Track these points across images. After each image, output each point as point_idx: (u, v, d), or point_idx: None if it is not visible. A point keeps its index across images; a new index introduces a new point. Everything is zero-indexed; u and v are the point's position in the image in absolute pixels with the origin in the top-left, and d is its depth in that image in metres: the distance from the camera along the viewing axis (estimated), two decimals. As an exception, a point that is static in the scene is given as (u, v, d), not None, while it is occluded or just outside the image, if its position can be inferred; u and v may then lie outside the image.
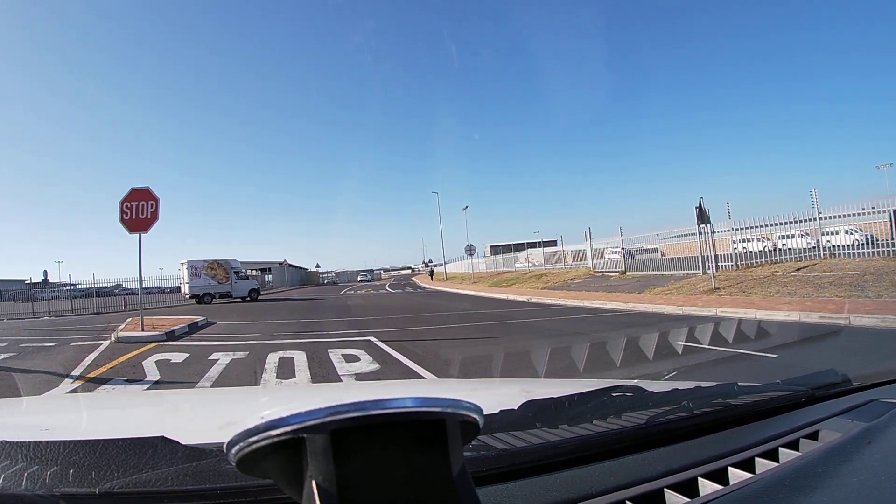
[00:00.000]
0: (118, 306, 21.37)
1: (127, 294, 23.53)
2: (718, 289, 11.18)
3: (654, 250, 18.91)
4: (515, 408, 0.80)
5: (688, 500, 0.66)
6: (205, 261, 24.80)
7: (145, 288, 24.03)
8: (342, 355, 6.39)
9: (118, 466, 0.58)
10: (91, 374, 5.90)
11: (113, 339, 8.83)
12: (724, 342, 5.37)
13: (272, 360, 6.23)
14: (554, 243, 33.14)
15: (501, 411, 0.79)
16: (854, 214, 12.54)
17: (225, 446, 0.40)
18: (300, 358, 6.28)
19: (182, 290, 24.48)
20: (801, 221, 13.38)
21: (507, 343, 7.27)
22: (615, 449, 0.79)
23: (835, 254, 12.55)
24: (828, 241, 12.87)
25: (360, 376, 5.36)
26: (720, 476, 0.73)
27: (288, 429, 0.37)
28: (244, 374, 5.64)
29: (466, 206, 43.78)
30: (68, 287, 25.41)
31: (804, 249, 13.27)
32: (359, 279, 71.55)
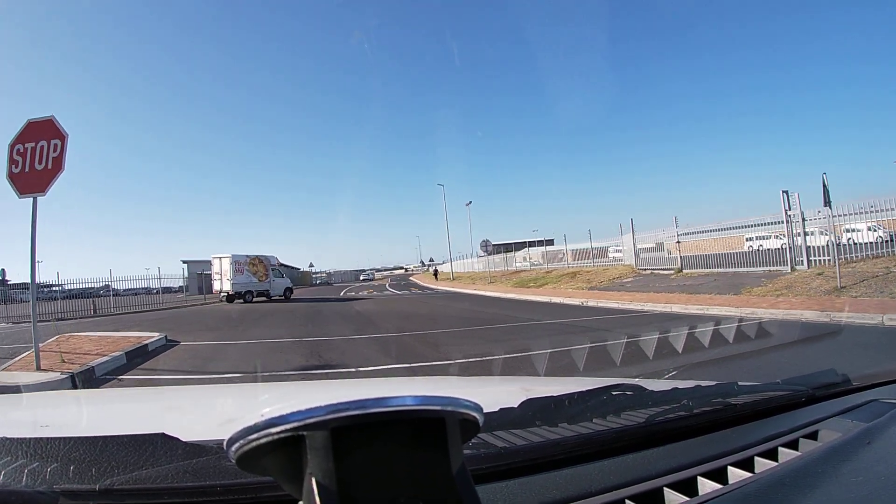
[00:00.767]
0: (84, 311, 18.63)
1: (112, 296, 21.24)
2: (844, 288, 9.05)
3: (661, 247, 18.20)
4: (515, 406, 0.80)
5: (687, 498, 0.66)
6: (248, 256, 22.65)
7: (129, 289, 23.74)
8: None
9: (118, 463, 0.58)
10: None
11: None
12: None
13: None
14: (551, 242, 32.84)
15: (501, 409, 0.79)
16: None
17: (225, 443, 0.40)
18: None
19: (217, 288, 22.09)
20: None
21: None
22: (615, 447, 0.79)
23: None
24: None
25: None
26: (720, 475, 0.73)
27: (288, 426, 0.37)
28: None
29: (470, 202, 41.56)
30: (55, 287, 21.68)
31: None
32: (361, 278, 70.67)
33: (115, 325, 12.48)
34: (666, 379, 2.62)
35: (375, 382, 2.57)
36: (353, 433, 0.38)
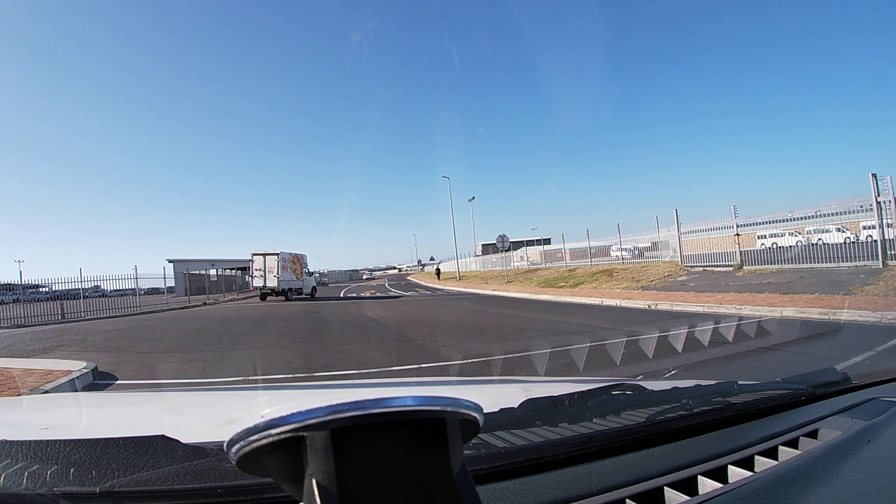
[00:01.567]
0: (51, 316, 16.43)
1: (83, 298, 18.71)
2: None
3: (657, 246, 18.05)
4: (515, 406, 0.80)
5: (687, 498, 0.66)
6: (291, 253, 22.26)
7: (116, 290, 21.22)
8: None
9: (119, 465, 0.58)
10: None
11: None
12: None
13: None
14: (548, 241, 32.76)
15: (501, 410, 0.79)
16: None
17: (225, 445, 0.40)
18: None
19: (259, 284, 21.23)
20: None
21: None
22: (615, 447, 0.79)
23: None
24: None
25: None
26: (720, 474, 0.73)
27: (288, 427, 0.37)
28: None
29: (473, 197, 39.69)
30: (42, 288, 19.85)
31: None
32: (364, 277, 69.72)
33: (48, 341, 9.51)
34: (666, 378, 2.62)
35: (376, 384, 2.57)
36: (353, 434, 0.38)
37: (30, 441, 0.61)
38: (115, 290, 21.13)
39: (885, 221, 10.78)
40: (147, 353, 7.39)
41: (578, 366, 4.84)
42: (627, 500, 0.65)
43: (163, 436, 0.62)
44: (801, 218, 13.07)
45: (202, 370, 5.68)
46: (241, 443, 0.39)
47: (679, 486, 0.69)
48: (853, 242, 11.79)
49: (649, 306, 10.46)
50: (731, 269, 13.89)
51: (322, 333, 8.84)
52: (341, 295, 25.08)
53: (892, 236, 10.68)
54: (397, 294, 23.06)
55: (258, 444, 0.39)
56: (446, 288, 26.35)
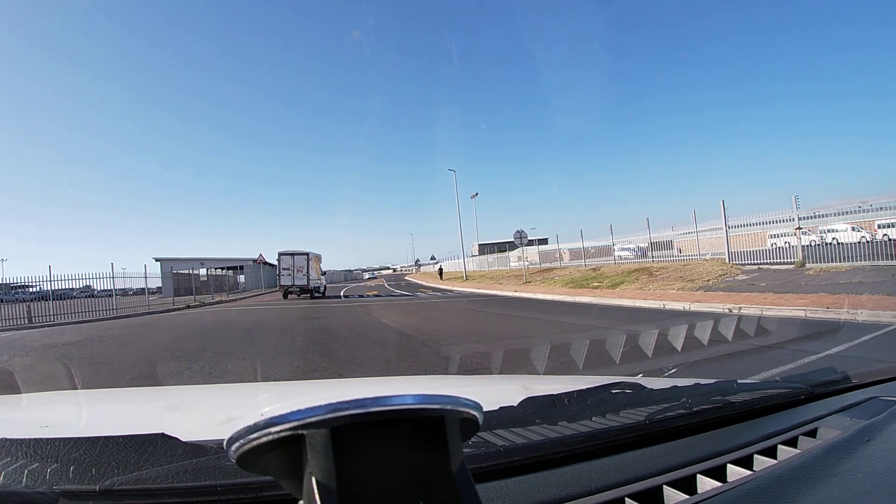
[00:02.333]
0: (18, 319, 14.87)
1: (56, 299, 16.67)
2: None
3: (670, 244, 17.72)
4: (515, 405, 0.81)
5: (687, 496, 0.66)
6: (314, 253, 23.13)
7: (105, 291, 18.42)
8: None
9: (118, 463, 0.58)
10: None
11: None
12: None
13: None
14: (544, 241, 31.90)
15: (501, 408, 0.79)
16: None
17: (225, 443, 0.40)
18: None
19: (287, 283, 21.98)
20: None
21: None
22: (614, 445, 0.79)
23: None
24: None
25: None
26: (719, 473, 0.73)
27: (288, 425, 0.37)
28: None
29: (476, 194, 38.35)
30: (32, 288, 18.07)
31: None
32: (367, 277, 68.74)
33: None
34: (666, 377, 2.63)
35: (376, 382, 2.57)
36: (353, 432, 0.38)
37: (29, 439, 0.61)
38: (103, 291, 19.07)
39: None
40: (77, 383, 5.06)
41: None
42: (627, 499, 0.65)
43: (162, 434, 0.63)
44: (877, 209, 11.74)
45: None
46: (241, 441, 0.39)
47: (678, 484, 0.69)
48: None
49: (730, 310, 8.48)
50: (791, 266, 12.55)
51: (335, 355, 6.13)
52: (342, 296, 22.81)
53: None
54: (405, 295, 20.33)
55: (258, 442, 0.39)
56: (456, 289, 23.62)
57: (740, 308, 8.44)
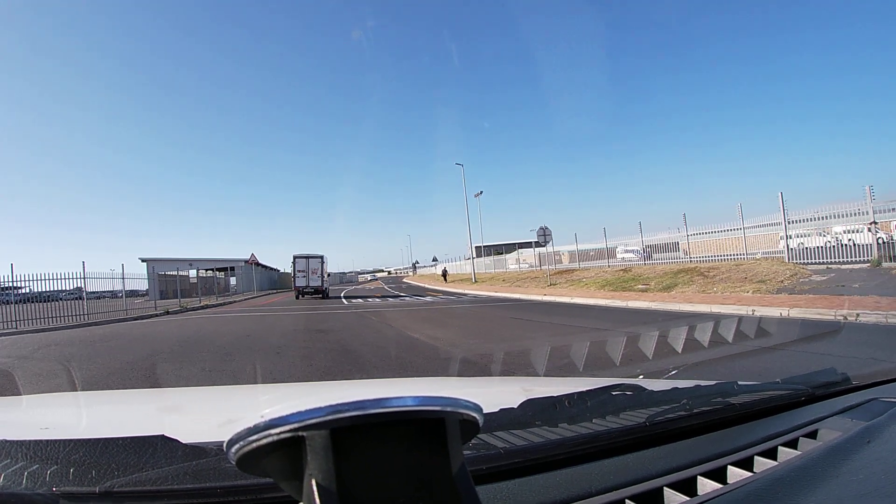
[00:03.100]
0: None
1: (67, 300, 15.14)
2: None
3: (671, 245, 17.78)
4: (515, 406, 0.80)
5: (687, 498, 0.66)
6: (324, 256, 24.67)
7: (94, 293, 15.75)
8: None
9: (118, 465, 0.58)
10: None
11: None
12: None
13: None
14: (540, 244, 31.96)
15: (501, 410, 0.79)
16: None
17: (225, 445, 0.40)
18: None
19: (302, 284, 23.39)
20: None
21: None
22: (615, 447, 0.79)
23: None
24: None
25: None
26: (719, 475, 0.73)
27: (288, 427, 0.38)
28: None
29: (480, 192, 35.68)
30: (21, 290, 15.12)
31: None
32: (368, 278, 67.49)
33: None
34: (666, 378, 2.62)
35: (376, 384, 2.56)
36: (353, 434, 0.38)
37: (29, 441, 0.61)
38: (92, 293, 16.49)
39: None
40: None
41: None
42: (627, 501, 0.65)
43: (162, 436, 0.62)
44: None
45: None
46: (241, 443, 0.39)
47: (679, 486, 0.69)
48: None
49: (845, 318, 7.04)
50: (864, 265, 11.44)
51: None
52: (343, 298, 21.26)
53: None
54: (418, 299, 18.01)
55: (258, 443, 0.39)
56: (470, 292, 21.25)
57: (858, 314, 6.98)
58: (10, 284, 14.45)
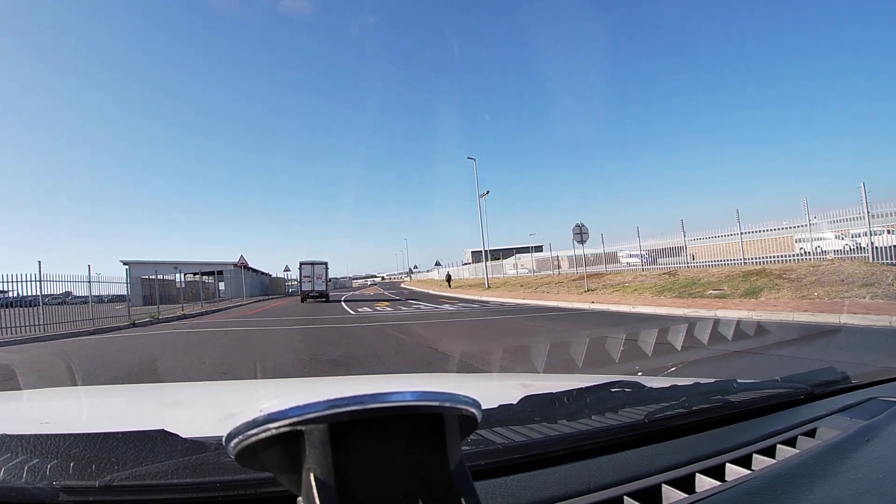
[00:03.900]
0: None
1: (51, 305, 13.15)
2: None
3: (676, 250, 17.15)
4: (514, 402, 0.81)
5: (685, 495, 0.66)
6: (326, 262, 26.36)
7: (78, 297, 14.00)
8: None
9: (118, 459, 0.59)
10: None
11: None
12: None
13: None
14: (539, 249, 30.36)
15: (500, 406, 0.79)
16: None
17: (224, 439, 0.41)
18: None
19: (307, 289, 24.77)
20: None
21: None
22: (614, 444, 0.79)
23: None
24: None
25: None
26: (717, 472, 0.73)
27: (287, 422, 0.38)
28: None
29: (487, 192, 32.63)
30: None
31: None
32: (355, 285, 65.97)
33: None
34: (665, 376, 2.63)
35: (375, 379, 2.57)
36: (351, 429, 0.39)
37: (30, 435, 0.61)
38: (76, 298, 15.13)
39: None
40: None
41: None
42: (625, 497, 0.65)
43: (162, 430, 0.63)
44: None
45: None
46: (240, 437, 0.39)
47: (677, 483, 0.69)
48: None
49: None
50: None
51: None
52: (346, 305, 18.67)
53: None
54: (438, 308, 15.22)
55: (257, 438, 0.39)
56: (492, 299, 18.61)
57: None
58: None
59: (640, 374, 3.12)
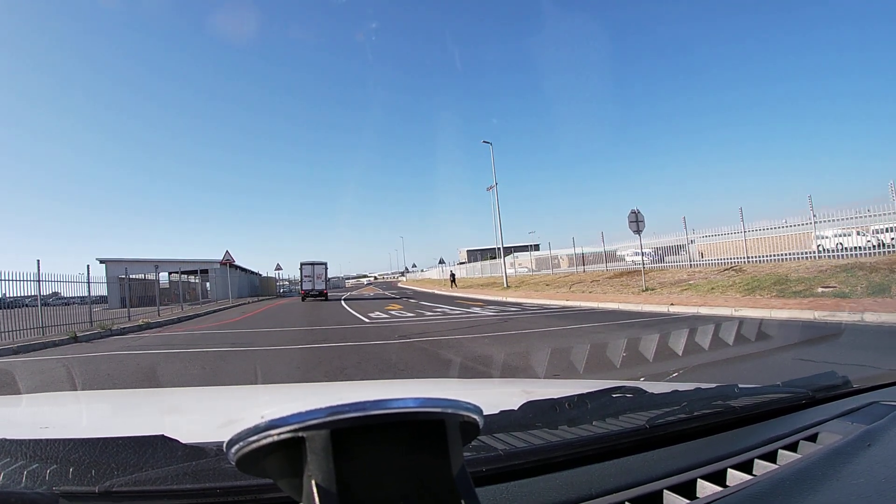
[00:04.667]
0: None
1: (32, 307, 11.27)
2: None
3: (683, 248, 16.65)
4: (516, 408, 0.80)
5: (687, 501, 0.66)
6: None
7: (61, 299, 12.36)
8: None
9: (118, 465, 0.58)
10: None
11: None
12: None
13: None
14: (536, 248, 29.85)
15: (501, 412, 0.79)
16: None
17: (225, 445, 0.40)
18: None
19: (308, 288, 25.81)
20: None
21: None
22: (615, 450, 0.79)
23: None
24: None
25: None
26: (719, 478, 0.73)
27: (288, 428, 0.38)
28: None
29: (495, 184, 30.35)
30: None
31: None
32: (348, 284, 65.52)
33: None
34: (667, 381, 2.62)
35: (376, 385, 2.56)
36: (353, 435, 0.38)
37: (29, 440, 0.61)
38: (58, 299, 13.38)
39: None
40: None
41: None
42: (627, 503, 0.65)
43: (162, 436, 0.63)
44: None
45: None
46: (241, 443, 0.39)
47: (678, 489, 0.69)
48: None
49: None
50: None
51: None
52: (349, 308, 16.30)
53: None
54: (471, 314, 12.24)
55: (258, 444, 0.39)
56: (525, 300, 16.06)
57: None
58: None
59: (641, 379, 3.11)
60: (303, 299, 25.41)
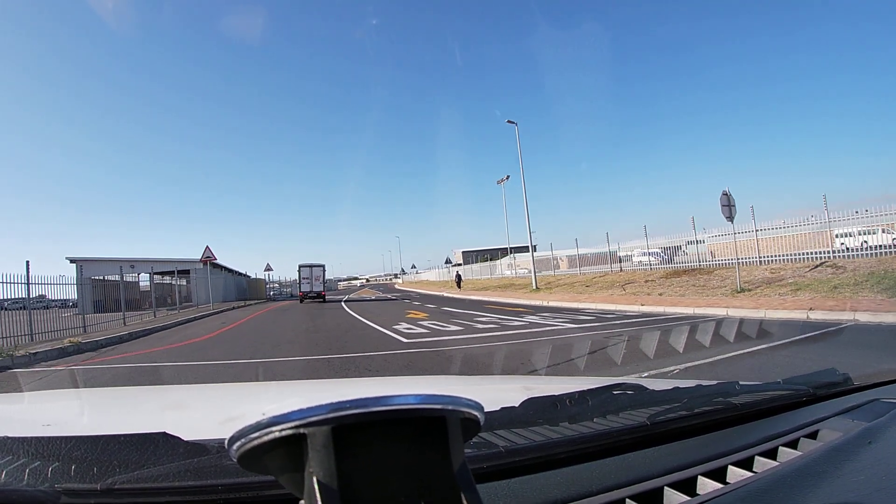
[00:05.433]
0: None
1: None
2: None
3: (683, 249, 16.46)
4: (517, 405, 0.81)
5: (687, 498, 0.66)
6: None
7: (43, 300, 10.71)
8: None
9: (120, 462, 0.59)
10: None
11: None
12: None
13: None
14: (534, 248, 30.34)
15: (503, 408, 0.79)
16: None
17: (226, 442, 0.40)
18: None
19: (306, 290, 26.33)
20: None
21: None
22: (616, 447, 0.79)
23: None
24: None
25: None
26: (720, 475, 0.73)
27: (290, 425, 0.38)
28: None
29: (507, 177, 29.98)
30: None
31: None
32: (341, 287, 64.53)
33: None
34: (668, 378, 2.62)
35: (377, 382, 2.57)
36: (354, 432, 0.38)
37: (31, 437, 0.61)
38: (40, 300, 11.41)
39: None
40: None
41: None
42: (628, 500, 0.65)
43: (164, 433, 0.63)
44: None
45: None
46: (243, 440, 0.39)
47: (679, 486, 0.69)
48: None
49: None
50: None
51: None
52: (361, 318, 12.43)
53: None
54: (532, 323, 9.07)
55: (259, 441, 0.39)
56: (577, 305, 12.93)
57: None
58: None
59: (641, 377, 3.11)
60: (301, 301, 26.06)
